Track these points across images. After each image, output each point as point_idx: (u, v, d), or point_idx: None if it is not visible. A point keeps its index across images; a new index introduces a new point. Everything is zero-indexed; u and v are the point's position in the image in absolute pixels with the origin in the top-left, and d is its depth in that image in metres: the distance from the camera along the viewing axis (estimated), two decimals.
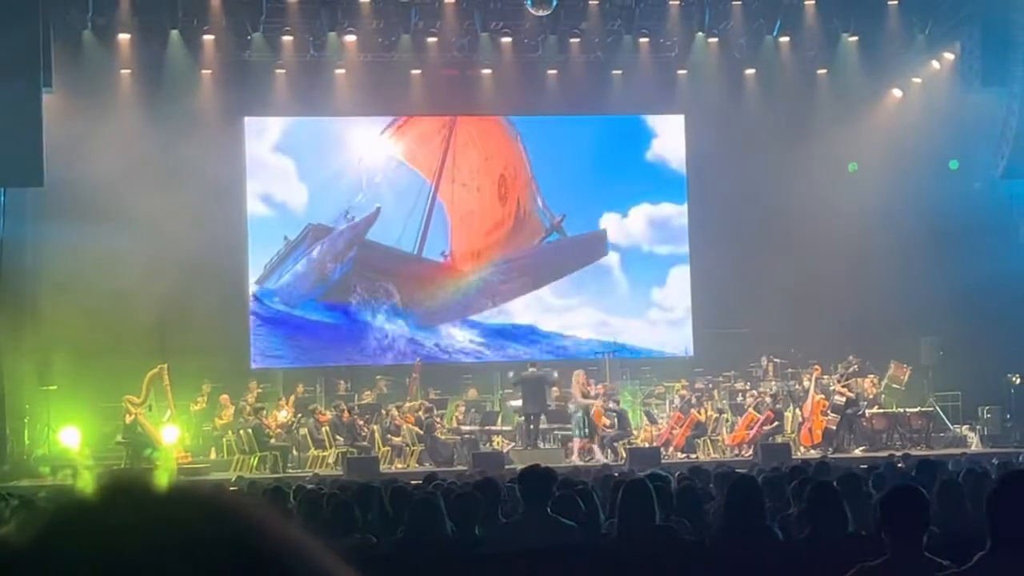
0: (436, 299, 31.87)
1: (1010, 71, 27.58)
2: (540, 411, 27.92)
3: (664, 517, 8.56)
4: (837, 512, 7.77)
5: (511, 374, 29.67)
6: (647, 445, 27.12)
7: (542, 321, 32.24)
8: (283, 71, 30.09)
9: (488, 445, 27.98)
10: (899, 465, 16.32)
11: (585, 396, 27.83)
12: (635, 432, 28.22)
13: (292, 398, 28.86)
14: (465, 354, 31.80)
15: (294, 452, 27.44)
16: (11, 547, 1.38)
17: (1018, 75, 27.43)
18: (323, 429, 27.32)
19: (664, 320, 32.61)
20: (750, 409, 28.24)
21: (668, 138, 32.77)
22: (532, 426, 27.78)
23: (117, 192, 27.56)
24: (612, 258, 32.73)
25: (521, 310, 32.16)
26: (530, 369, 28.31)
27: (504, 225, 32.28)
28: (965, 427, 29.18)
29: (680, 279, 32.67)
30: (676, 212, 32.82)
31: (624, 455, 26.33)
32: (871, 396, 29.03)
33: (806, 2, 29.40)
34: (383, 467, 25.66)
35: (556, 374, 29.05)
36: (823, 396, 28.22)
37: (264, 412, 27.50)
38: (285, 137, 31.50)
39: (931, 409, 29.37)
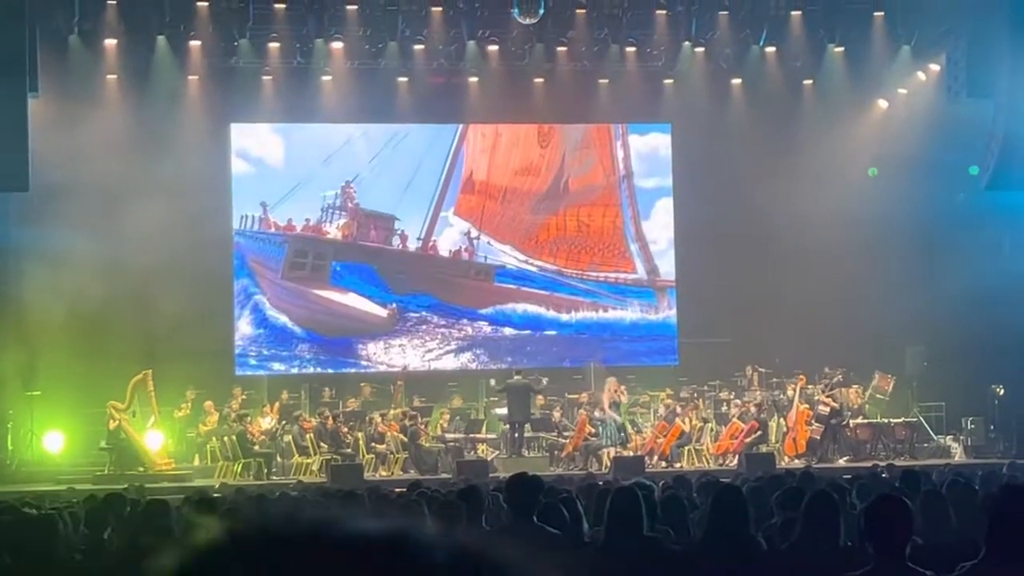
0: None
1: (995, 82, 27.62)
2: (525, 419, 27.93)
3: (648, 526, 8.55)
4: (833, 523, 7.77)
5: (492, 382, 29.60)
6: (631, 454, 27.12)
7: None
8: (270, 77, 30.05)
9: (473, 453, 27.96)
10: (883, 475, 16.36)
11: (614, 405, 27.87)
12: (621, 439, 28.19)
13: (276, 405, 28.83)
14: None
15: (278, 459, 27.39)
16: None
17: (1003, 86, 27.48)
18: (307, 436, 27.29)
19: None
20: (734, 419, 28.26)
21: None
22: (517, 434, 27.78)
23: (102, 197, 27.52)
24: None
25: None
26: (515, 377, 28.30)
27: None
28: (949, 438, 29.21)
29: (666, 268, 32.72)
30: (663, 224, 32.89)
31: (608, 464, 26.35)
32: (855, 406, 29.07)
33: (792, 13, 29.46)
34: (367, 475, 25.64)
35: (545, 381, 29.09)
36: (807, 406, 28.25)
37: (248, 419, 27.45)
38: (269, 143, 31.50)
39: (915, 420, 29.42)
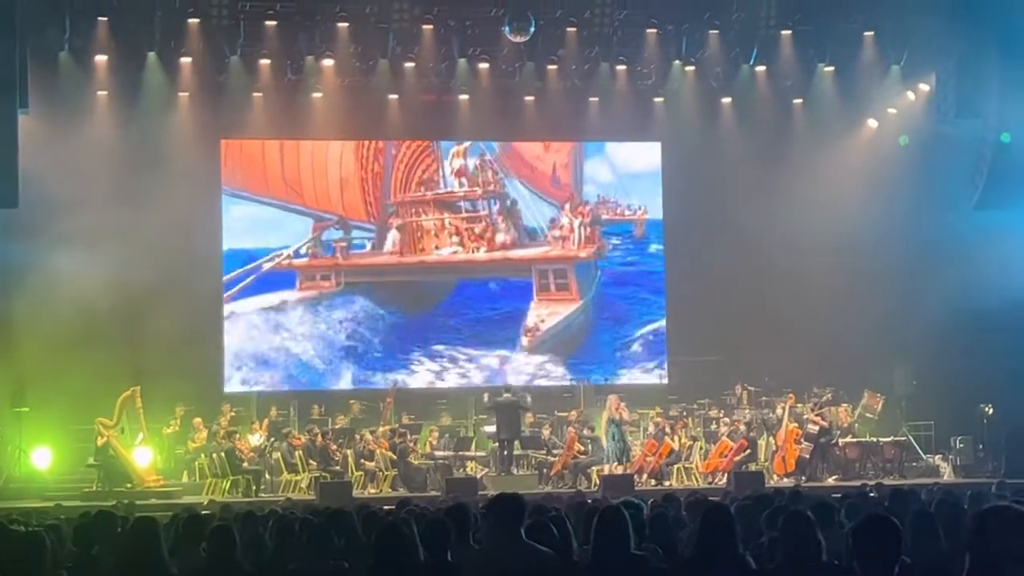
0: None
1: (985, 102, 27.70)
2: (514, 436, 27.91)
3: (637, 544, 8.54)
4: (810, 541, 7.77)
5: (486, 397, 29.55)
6: (620, 472, 27.09)
7: None
8: (260, 94, 30.05)
9: (462, 471, 27.94)
10: (872, 494, 16.33)
11: (612, 422, 27.79)
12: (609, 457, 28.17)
13: (265, 422, 28.79)
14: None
15: (267, 476, 27.34)
16: None
17: (992, 106, 27.56)
18: (296, 453, 27.24)
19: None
20: (724, 437, 28.25)
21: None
22: (506, 451, 27.76)
23: (92, 214, 27.47)
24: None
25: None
26: (505, 395, 28.28)
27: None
28: (938, 457, 29.23)
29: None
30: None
31: (598, 482, 26.33)
32: (845, 425, 29.08)
33: (782, 32, 29.52)
34: (356, 492, 25.60)
35: (529, 399, 29.06)
36: (797, 425, 28.26)
37: (237, 435, 27.40)
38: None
39: (904, 439, 29.43)
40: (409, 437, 27.96)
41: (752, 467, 27.50)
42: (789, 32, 29.51)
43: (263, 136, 31.01)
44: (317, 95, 30.22)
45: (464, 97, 30.94)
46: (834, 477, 27.69)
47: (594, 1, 28.49)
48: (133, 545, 9.18)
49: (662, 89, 31.09)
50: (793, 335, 29.99)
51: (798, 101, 31.57)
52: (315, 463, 27.06)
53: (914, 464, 29.19)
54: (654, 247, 32.94)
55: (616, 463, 27.51)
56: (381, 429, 28.34)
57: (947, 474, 28.15)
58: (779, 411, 28.97)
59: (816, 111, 31.27)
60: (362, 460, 27.72)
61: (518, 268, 32.41)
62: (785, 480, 26.77)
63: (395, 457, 27.42)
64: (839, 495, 15.84)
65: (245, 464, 26.88)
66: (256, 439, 28.10)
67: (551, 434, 28.93)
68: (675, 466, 27.97)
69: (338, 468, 27.23)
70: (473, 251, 32.21)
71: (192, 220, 29.34)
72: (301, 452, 27.23)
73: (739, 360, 31.04)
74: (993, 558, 5.58)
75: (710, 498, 13.40)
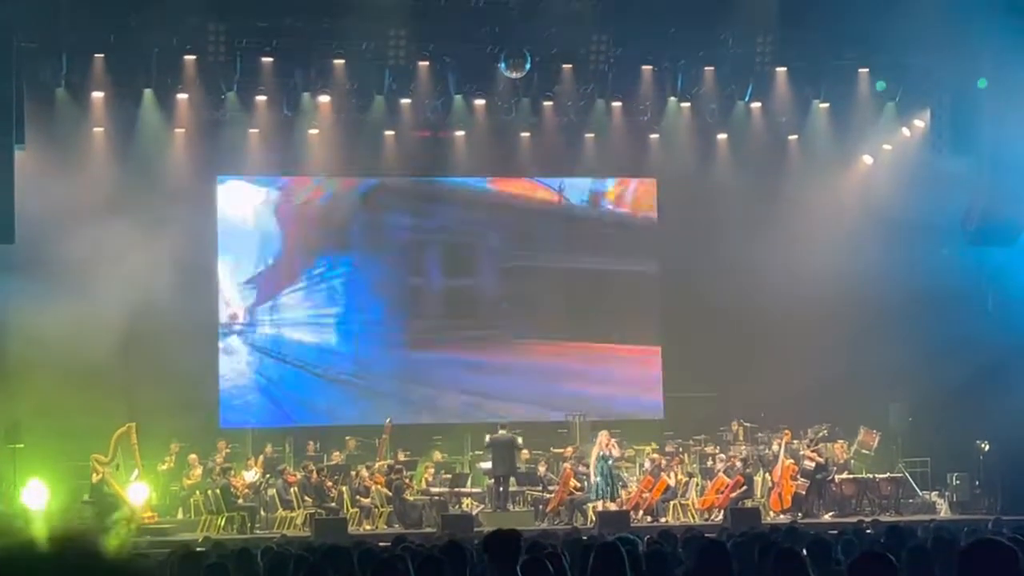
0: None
1: (979, 138, 27.78)
2: (510, 473, 27.87)
3: None
4: None
5: (487, 438, 29.24)
6: (617, 508, 27.05)
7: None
8: (256, 131, 30.09)
9: (457, 507, 27.88)
10: (868, 531, 16.32)
11: (603, 458, 27.72)
12: (592, 496, 28.00)
13: (261, 458, 28.74)
14: None
15: (262, 513, 27.29)
16: None
17: (987, 142, 27.63)
18: (291, 490, 27.19)
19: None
20: (720, 473, 28.22)
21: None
22: (502, 488, 27.72)
23: (88, 250, 27.44)
24: None
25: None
26: (500, 431, 28.24)
27: None
28: (934, 493, 29.23)
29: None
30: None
31: (593, 518, 26.28)
32: (841, 461, 29.08)
33: (777, 69, 29.59)
34: (352, 528, 25.54)
35: (520, 440, 28.85)
36: (793, 461, 28.24)
37: (232, 472, 27.34)
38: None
39: (900, 475, 29.41)
40: (405, 473, 27.91)
41: (748, 503, 27.47)
42: (784, 69, 29.57)
43: (259, 173, 31.00)
44: (313, 131, 30.26)
45: (460, 133, 30.99)
46: (830, 513, 27.66)
47: (590, 39, 28.55)
48: None
49: (658, 125, 31.13)
50: (789, 371, 29.96)
51: (793, 137, 31.65)
52: (310, 499, 27.01)
53: (910, 501, 29.18)
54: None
55: (608, 500, 27.45)
56: (377, 465, 28.29)
57: (943, 511, 28.13)
58: (775, 447, 28.96)
59: (811, 147, 31.33)
60: (358, 496, 27.66)
61: None
62: (781, 516, 26.72)
63: (391, 493, 27.36)
64: (835, 532, 15.82)
65: (240, 501, 26.82)
66: (251, 475, 28.04)
67: (547, 470, 28.88)
68: (671, 502, 27.93)
69: (333, 504, 27.17)
70: None
71: (188, 256, 29.29)
72: (296, 488, 27.19)
73: (735, 396, 31.05)
74: None
75: (706, 535, 13.37)
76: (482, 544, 9.42)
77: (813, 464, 28.12)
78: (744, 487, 27.83)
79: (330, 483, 27.64)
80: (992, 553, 5.68)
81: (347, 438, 29.92)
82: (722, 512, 26.92)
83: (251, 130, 30.07)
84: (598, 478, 27.66)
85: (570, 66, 29.24)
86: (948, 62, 28.19)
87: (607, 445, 28.08)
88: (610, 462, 27.88)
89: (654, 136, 31.55)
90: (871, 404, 30.31)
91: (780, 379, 29.93)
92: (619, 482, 28.05)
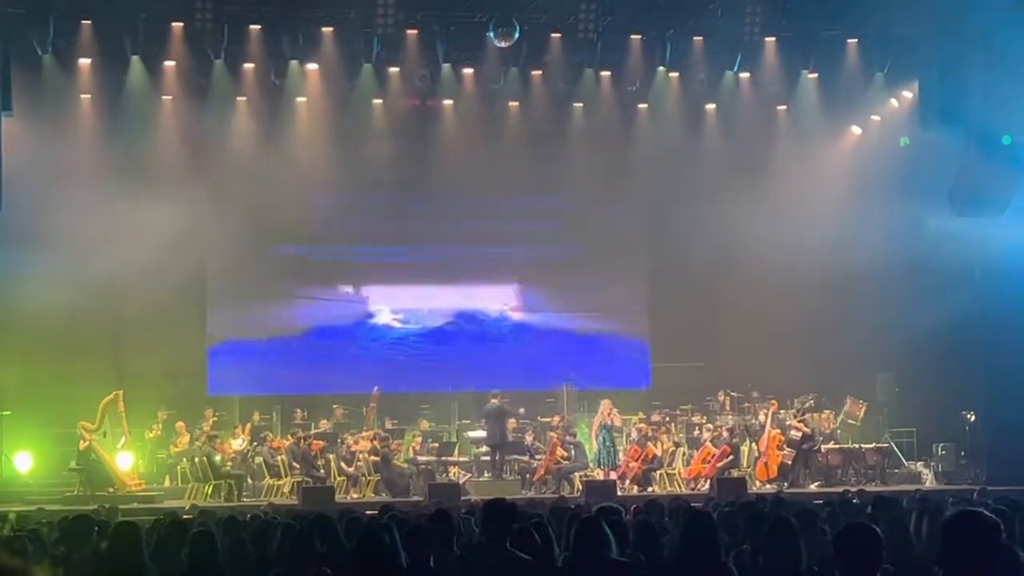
0: None
1: (967, 110, 27.74)
2: (503, 442, 27.94)
3: (619, 551, 8.55)
4: (793, 549, 7.78)
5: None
6: (603, 477, 27.11)
7: None
8: (244, 99, 29.98)
9: (445, 476, 27.92)
10: (854, 501, 16.37)
11: (605, 427, 27.84)
12: (592, 464, 28.15)
13: (248, 426, 28.75)
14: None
15: (249, 480, 27.31)
16: None
17: (975, 113, 27.60)
18: (279, 458, 27.20)
19: None
20: (706, 443, 28.27)
21: None
22: (497, 457, 27.84)
23: (75, 216, 27.42)
24: None
25: None
26: (492, 401, 28.27)
27: None
28: (920, 464, 29.30)
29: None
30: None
31: (580, 487, 26.34)
32: (827, 431, 29.15)
33: (766, 39, 29.50)
34: (339, 497, 25.55)
35: (522, 410, 29.05)
36: (779, 431, 28.29)
37: (219, 440, 27.32)
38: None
39: (886, 445, 29.49)
40: (391, 441, 27.94)
41: (735, 473, 27.53)
42: (773, 39, 29.49)
43: (246, 141, 30.84)
44: (301, 99, 30.16)
45: (448, 102, 30.92)
46: (816, 483, 27.73)
47: (578, 7, 28.44)
48: (114, 549, 9.16)
49: (646, 95, 31.05)
50: (776, 341, 30.02)
51: (782, 108, 31.60)
52: (298, 467, 27.03)
53: (896, 471, 29.26)
54: None
55: (608, 468, 27.54)
56: (364, 433, 28.30)
57: (929, 481, 28.22)
58: (761, 417, 29.03)
59: (800, 118, 31.28)
60: (344, 465, 27.68)
61: None
62: (767, 486, 26.81)
63: (378, 462, 27.39)
64: (821, 501, 15.89)
65: (227, 468, 26.82)
66: (238, 443, 28.06)
67: (534, 439, 28.93)
68: (658, 472, 27.99)
69: (321, 473, 27.19)
70: None
71: (176, 223, 29.19)
72: (283, 457, 27.20)
73: (722, 366, 31.09)
74: (963, 563, 5.59)
75: (692, 504, 13.42)
76: (481, 514, 9.45)
77: (799, 434, 28.17)
78: (731, 457, 27.89)
79: (316, 450, 27.52)
80: (974, 524, 5.71)
81: (334, 406, 29.97)
82: (708, 482, 26.98)
83: (238, 98, 29.95)
84: (601, 447, 27.77)
85: (559, 36, 29.14)
86: (937, 33, 28.14)
87: (609, 415, 28.15)
88: (612, 432, 27.99)
89: (643, 106, 31.47)
90: (858, 374, 30.38)
91: (767, 349, 29.99)
92: (615, 450, 28.14)
